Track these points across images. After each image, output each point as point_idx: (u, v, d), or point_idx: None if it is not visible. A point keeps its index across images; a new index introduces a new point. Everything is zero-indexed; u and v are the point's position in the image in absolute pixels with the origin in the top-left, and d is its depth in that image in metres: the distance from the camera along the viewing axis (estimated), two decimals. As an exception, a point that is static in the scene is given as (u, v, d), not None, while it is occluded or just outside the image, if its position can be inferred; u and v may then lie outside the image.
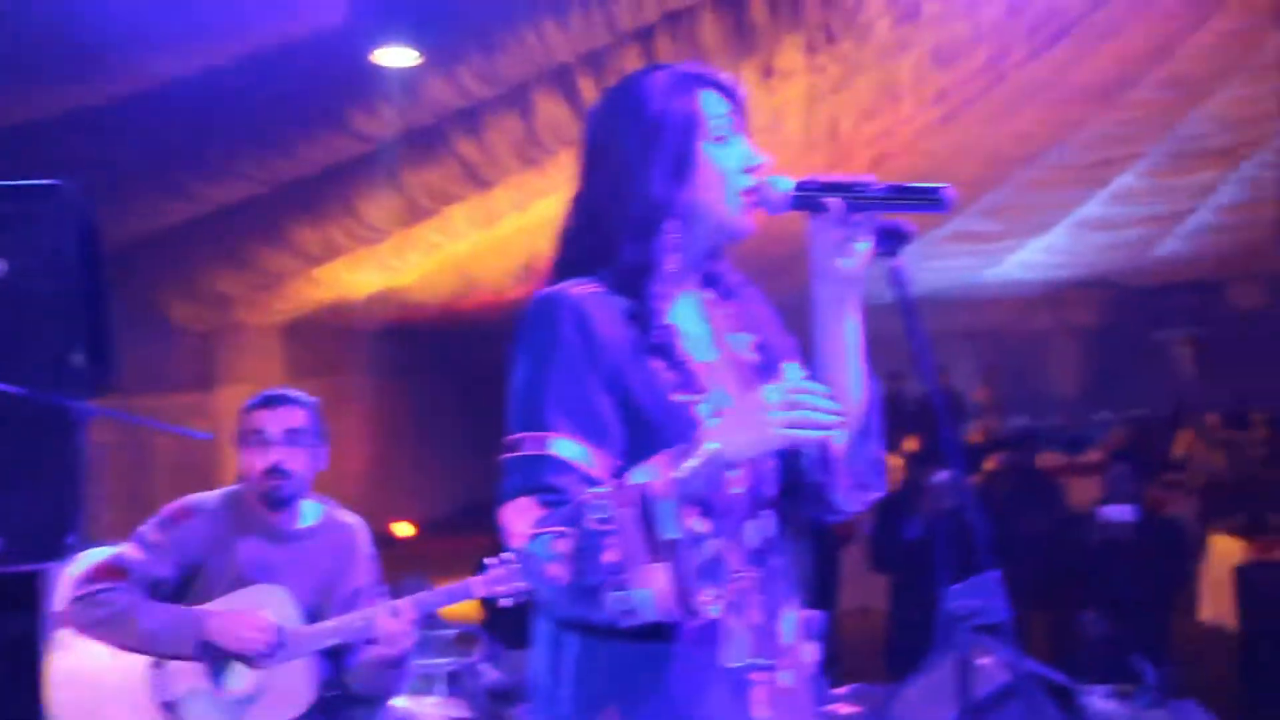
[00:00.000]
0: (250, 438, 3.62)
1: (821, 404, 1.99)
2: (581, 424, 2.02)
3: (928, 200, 2.07)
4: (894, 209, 2.10)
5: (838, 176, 2.11)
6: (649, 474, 1.97)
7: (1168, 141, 11.74)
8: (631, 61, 7.00)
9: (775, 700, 2.13)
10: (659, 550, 1.95)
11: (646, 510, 1.95)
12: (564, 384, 2.03)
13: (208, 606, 3.54)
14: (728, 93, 2.20)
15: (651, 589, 1.94)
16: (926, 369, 2.12)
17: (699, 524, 1.99)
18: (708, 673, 2.08)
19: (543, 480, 2.00)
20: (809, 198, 2.11)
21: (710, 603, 2.03)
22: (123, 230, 7.88)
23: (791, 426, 1.97)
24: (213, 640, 3.49)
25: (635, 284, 2.11)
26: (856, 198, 2.08)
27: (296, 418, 3.64)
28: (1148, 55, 9.94)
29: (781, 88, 8.47)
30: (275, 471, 3.59)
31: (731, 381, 2.17)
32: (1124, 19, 9.30)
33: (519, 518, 2.00)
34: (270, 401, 3.66)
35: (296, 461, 3.61)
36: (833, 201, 2.09)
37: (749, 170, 2.16)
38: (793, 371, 2.08)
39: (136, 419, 6.17)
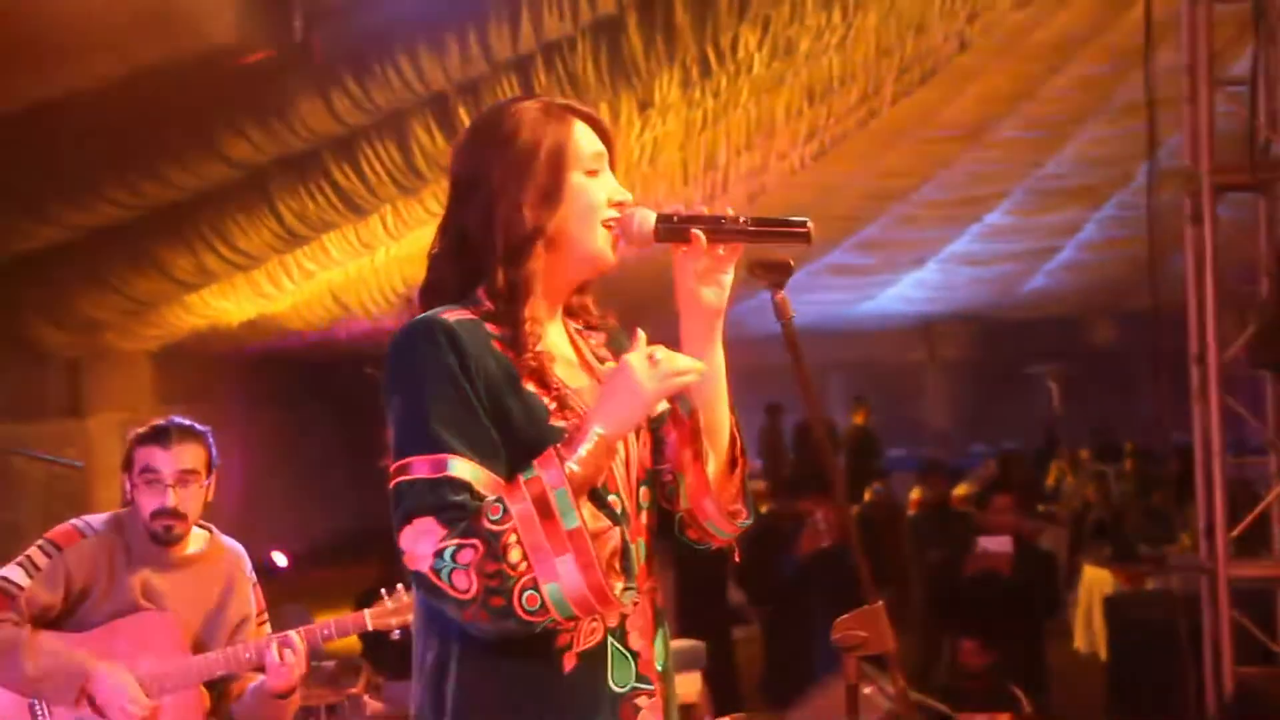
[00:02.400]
0: (141, 475, 3.53)
1: (679, 357, 2.08)
2: (472, 442, 2.02)
3: (789, 233, 2.13)
4: (756, 241, 2.14)
5: (700, 210, 2.16)
6: (539, 469, 2.00)
7: (1031, 180, 12.07)
8: (508, 92, 7.04)
9: None
10: (563, 542, 1.96)
11: (542, 503, 1.97)
12: (449, 405, 2.03)
13: (95, 631, 3.48)
14: (598, 128, 2.23)
15: (561, 582, 1.96)
16: (810, 401, 2.18)
17: (597, 518, 2.03)
18: (594, 696, 2.10)
19: (441, 499, 1.99)
20: (672, 230, 2.15)
21: (623, 594, 2.05)
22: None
23: (661, 379, 2.04)
24: (91, 697, 3.44)
25: (507, 310, 2.12)
26: (719, 230, 2.13)
27: (191, 456, 3.56)
28: (1010, 97, 10.24)
29: (658, 121, 8.56)
30: (167, 513, 3.52)
31: None
32: (987, 62, 9.57)
33: (421, 539, 1.98)
34: (164, 438, 3.55)
35: (188, 502, 3.54)
36: (696, 234, 2.13)
37: (615, 204, 2.19)
38: (643, 338, 2.12)
39: (6, 446, 6.06)
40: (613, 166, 2.25)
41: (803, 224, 2.12)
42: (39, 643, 3.42)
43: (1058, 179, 11.97)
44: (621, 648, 2.13)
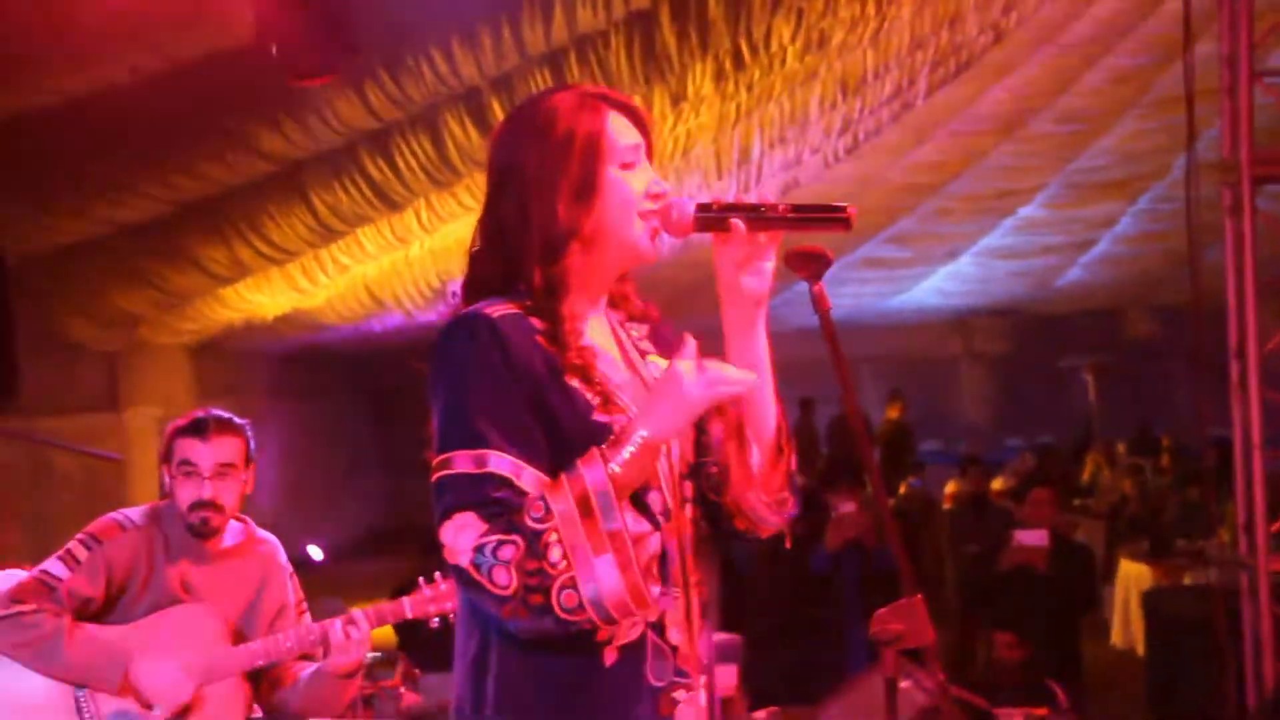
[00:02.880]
0: (179, 467, 3.55)
1: (729, 367, 2.07)
2: (514, 437, 2.02)
3: (830, 218, 2.10)
4: (797, 228, 2.12)
5: (740, 197, 2.16)
6: (582, 469, 1.99)
7: (1066, 174, 11.98)
8: (541, 85, 7.03)
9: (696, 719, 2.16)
10: (602, 543, 1.96)
11: (584, 504, 1.96)
12: (491, 400, 2.03)
13: (137, 624, 3.51)
14: (634, 117, 2.21)
15: (599, 583, 1.95)
16: (848, 392, 2.15)
17: (637, 521, 2.02)
18: (634, 691, 2.09)
19: (483, 494, 1.99)
20: (712, 219, 2.12)
21: (660, 598, 2.05)
22: (23, 248, 7.78)
23: (709, 388, 2.03)
24: (134, 685, 3.47)
25: (547, 305, 2.11)
26: (759, 218, 2.10)
27: (229, 449, 3.58)
28: (1045, 90, 10.16)
29: (691, 114, 8.54)
30: (205, 505, 3.54)
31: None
32: (1022, 55, 9.51)
33: (461, 534, 1.98)
34: (202, 430, 3.58)
35: (226, 495, 3.57)
36: (736, 222, 2.10)
37: (652, 196, 2.17)
38: (693, 345, 2.10)
39: (44, 439, 6.11)
40: (650, 155, 2.22)
41: (843, 209, 2.09)
42: (80, 633, 3.45)
43: (1094, 172, 11.89)
44: (660, 642, 2.12)
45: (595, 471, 1.99)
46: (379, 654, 5.81)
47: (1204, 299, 6.08)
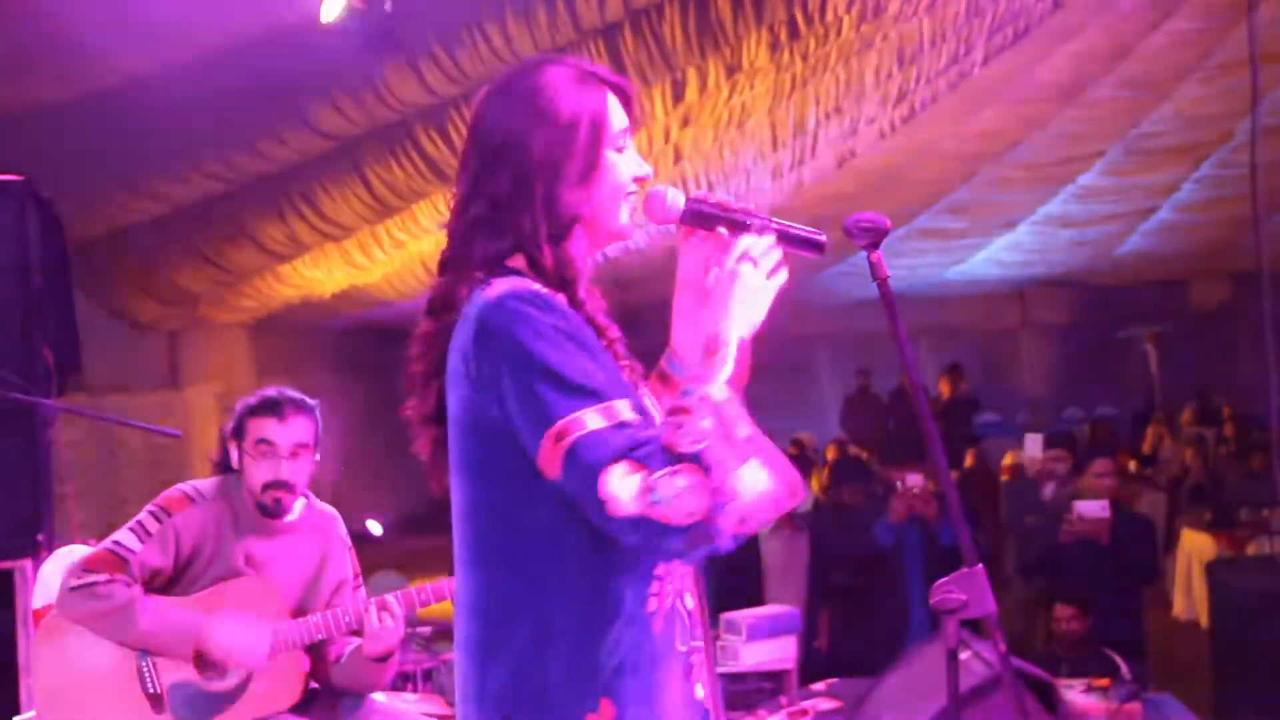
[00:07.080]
0: (255, 447, 3.60)
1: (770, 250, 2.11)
2: (619, 387, 2.02)
3: (806, 246, 2.14)
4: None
5: (729, 200, 2.17)
6: (697, 390, 1.99)
7: (1127, 140, 11.82)
8: (596, 59, 7.02)
9: (708, 681, 2.18)
10: (744, 449, 1.95)
11: (722, 415, 1.96)
12: (590, 359, 2.01)
13: (201, 595, 3.57)
14: (625, 98, 2.21)
15: (758, 485, 1.95)
16: (908, 364, 2.16)
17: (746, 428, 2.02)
18: (668, 655, 2.10)
19: (633, 439, 1.95)
20: (699, 217, 2.16)
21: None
22: (86, 228, 7.86)
23: (773, 273, 2.08)
24: (209, 652, 3.52)
25: (565, 289, 2.11)
26: (741, 228, 2.13)
27: (304, 430, 3.64)
28: (1106, 56, 10.02)
29: (746, 85, 8.49)
30: (279, 485, 3.61)
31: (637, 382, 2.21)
32: (1082, 20, 9.37)
33: (622, 485, 1.92)
34: (278, 410, 3.62)
35: (299, 474, 3.63)
36: (721, 231, 2.13)
37: (638, 179, 2.20)
38: (738, 245, 2.12)
39: (107, 416, 6.19)
40: (634, 134, 2.23)
41: (820, 242, 2.14)
42: (151, 603, 3.51)
43: (1156, 138, 11.71)
44: (681, 608, 2.14)
45: (715, 387, 1.98)
46: (433, 628, 5.85)
47: (1269, 266, 5.99)
